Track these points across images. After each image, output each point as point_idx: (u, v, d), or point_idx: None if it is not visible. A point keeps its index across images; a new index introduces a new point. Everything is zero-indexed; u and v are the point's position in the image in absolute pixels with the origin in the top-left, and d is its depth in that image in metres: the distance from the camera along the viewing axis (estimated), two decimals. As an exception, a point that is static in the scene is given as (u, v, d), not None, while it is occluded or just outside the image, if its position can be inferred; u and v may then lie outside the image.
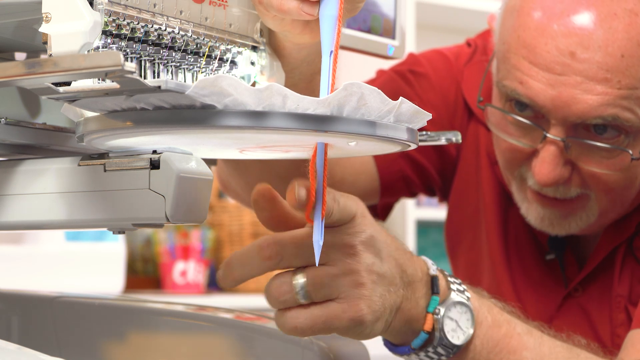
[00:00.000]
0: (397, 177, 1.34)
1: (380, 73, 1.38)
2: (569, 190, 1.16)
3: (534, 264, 1.30)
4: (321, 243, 0.79)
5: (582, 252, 1.29)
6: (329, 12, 0.77)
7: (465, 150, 1.35)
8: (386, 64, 1.37)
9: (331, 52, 0.77)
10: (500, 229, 1.32)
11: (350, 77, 0.96)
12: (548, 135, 1.12)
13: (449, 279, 0.98)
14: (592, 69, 1.09)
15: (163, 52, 0.78)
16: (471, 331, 0.95)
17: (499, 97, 1.18)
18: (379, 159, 1.32)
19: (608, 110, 1.10)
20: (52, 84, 0.70)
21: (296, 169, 1.16)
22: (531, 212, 1.20)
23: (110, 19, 0.73)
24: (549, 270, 1.29)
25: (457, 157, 1.36)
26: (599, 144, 1.12)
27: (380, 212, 1.40)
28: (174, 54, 0.79)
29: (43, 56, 0.90)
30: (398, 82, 1.34)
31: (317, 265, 0.81)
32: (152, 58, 0.77)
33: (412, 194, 1.38)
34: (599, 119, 1.10)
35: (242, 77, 0.86)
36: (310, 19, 0.79)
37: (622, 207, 1.20)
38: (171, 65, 0.79)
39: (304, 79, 0.92)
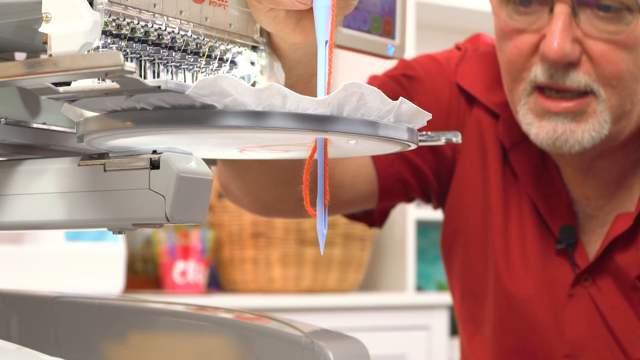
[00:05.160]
0: (395, 180, 1.34)
1: (373, 78, 1.39)
2: (577, 76, 1.17)
3: (544, 253, 1.31)
4: (325, 232, 0.79)
5: (592, 246, 1.30)
6: (322, 2, 0.78)
7: (465, 150, 1.35)
8: (385, 64, 1.37)
9: (326, 41, 0.77)
10: (511, 217, 1.33)
11: (350, 77, 0.95)
12: None
13: None
14: None
15: (163, 52, 0.78)
16: None
17: (499, 4, 1.21)
18: (377, 162, 1.33)
19: None
20: (52, 84, 0.70)
21: (297, 172, 1.16)
22: (543, 127, 1.20)
23: (110, 19, 0.73)
24: (559, 260, 1.30)
25: (454, 159, 1.36)
26: (606, 4, 1.15)
27: (377, 217, 1.40)
28: (174, 54, 0.79)
29: (43, 56, 0.90)
30: (392, 85, 1.35)
31: (321, 253, 0.81)
32: (152, 58, 0.77)
33: (409, 199, 1.39)
34: None
35: (242, 77, 0.86)
36: (304, 7, 0.79)
37: (632, 108, 1.21)
38: (171, 65, 0.79)
39: (301, 80, 0.92)
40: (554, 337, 1.29)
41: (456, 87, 1.37)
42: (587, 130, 1.18)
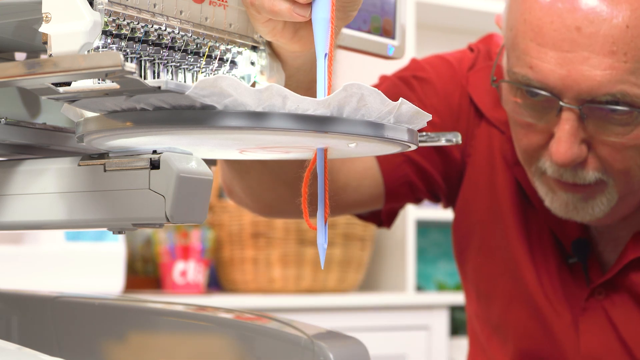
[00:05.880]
0: (402, 183, 1.34)
1: (383, 79, 1.38)
2: (586, 174, 1.17)
3: (557, 267, 1.31)
4: (325, 246, 0.79)
5: (606, 258, 1.30)
6: (321, 15, 0.77)
7: (475, 154, 1.35)
8: (385, 64, 1.37)
9: (326, 54, 0.77)
10: (522, 232, 1.32)
11: (350, 77, 0.95)
12: (563, 104, 1.13)
13: None
14: (598, 42, 1.11)
15: (163, 52, 0.78)
16: None
17: (509, 89, 1.19)
18: (383, 165, 1.32)
19: (617, 87, 1.12)
20: (52, 84, 0.70)
21: (298, 173, 1.16)
22: (556, 199, 1.21)
23: (110, 19, 0.73)
24: (572, 274, 1.30)
25: (463, 162, 1.35)
26: (615, 107, 1.13)
27: (385, 218, 1.40)
28: (174, 54, 0.79)
29: (43, 56, 0.90)
30: (401, 87, 1.34)
31: (322, 267, 0.81)
32: (152, 58, 0.77)
33: (416, 200, 1.38)
34: (608, 96, 1.12)
35: (242, 77, 0.86)
36: (302, 20, 0.79)
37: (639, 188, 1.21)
38: (171, 66, 0.79)
39: (301, 86, 0.92)
40: (571, 349, 1.29)
41: (467, 91, 1.36)
42: (597, 204, 1.21)
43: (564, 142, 1.14)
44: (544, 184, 1.22)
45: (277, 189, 1.22)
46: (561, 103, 1.13)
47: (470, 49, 1.39)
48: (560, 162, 1.15)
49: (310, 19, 0.78)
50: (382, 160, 1.32)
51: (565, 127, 1.14)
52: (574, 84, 1.12)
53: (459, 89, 1.35)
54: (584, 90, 1.12)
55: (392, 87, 1.34)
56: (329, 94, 0.75)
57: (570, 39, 1.12)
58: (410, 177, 1.34)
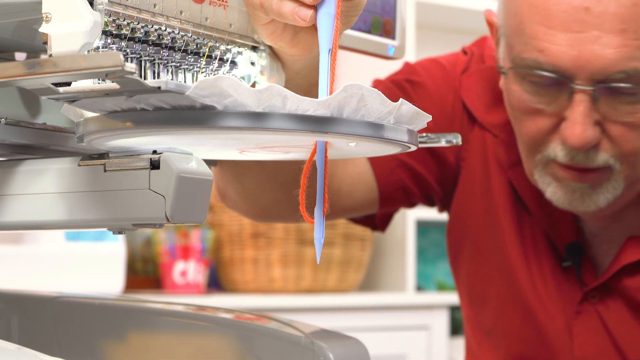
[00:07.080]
0: (396, 188, 1.33)
1: (377, 82, 1.37)
2: (597, 156, 1.16)
3: (551, 270, 1.30)
4: (322, 240, 0.79)
5: (600, 261, 1.29)
6: (326, 9, 0.77)
7: (469, 158, 1.34)
8: (385, 64, 1.36)
9: (329, 50, 0.76)
10: (516, 235, 1.32)
11: (350, 77, 0.95)
12: (575, 86, 1.13)
13: None
14: (608, 21, 1.11)
15: (163, 52, 0.78)
16: None
17: (514, 78, 1.19)
18: (377, 170, 1.32)
19: (629, 64, 1.12)
20: (52, 84, 0.70)
21: (296, 177, 1.16)
22: (560, 189, 1.20)
23: (110, 19, 0.73)
24: (566, 278, 1.30)
25: (457, 166, 1.35)
26: (628, 85, 1.13)
27: (379, 222, 1.39)
28: (174, 54, 0.79)
29: (43, 56, 0.90)
30: (394, 91, 1.33)
31: (317, 262, 0.81)
32: (152, 58, 0.77)
33: (411, 205, 1.38)
34: (622, 74, 1.12)
35: (242, 78, 0.86)
36: (304, 24, 0.79)
37: None
38: (171, 66, 0.79)
39: (300, 90, 0.92)
40: (564, 353, 1.29)
41: (460, 95, 1.35)
42: (602, 192, 1.19)
43: (579, 124, 1.13)
44: (548, 173, 1.20)
45: (274, 191, 1.22)
46: (573, 85, 1.13)
47: (464, 51, 1.39)
48: (576, 145, 1.14)
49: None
50: (375, 165, 1.32)
51: (579, 109, 1.13)
52: (587, 64, 1.12)
53: (452, 92, 1.35)
54: (596, 70, 1.12)
55: (385, 91, 1.32)
56: (331, 89, 0.75)
57: (579, 20, 1.11)
58: (405, 181, 1.33)
